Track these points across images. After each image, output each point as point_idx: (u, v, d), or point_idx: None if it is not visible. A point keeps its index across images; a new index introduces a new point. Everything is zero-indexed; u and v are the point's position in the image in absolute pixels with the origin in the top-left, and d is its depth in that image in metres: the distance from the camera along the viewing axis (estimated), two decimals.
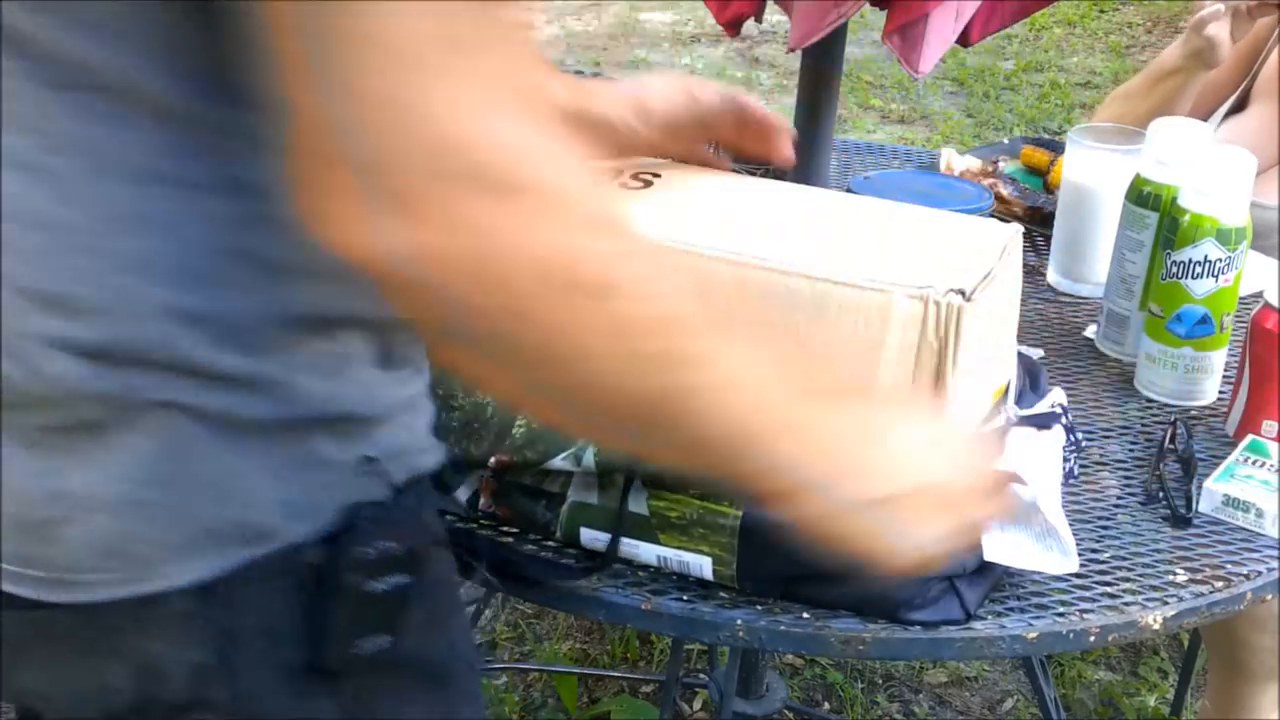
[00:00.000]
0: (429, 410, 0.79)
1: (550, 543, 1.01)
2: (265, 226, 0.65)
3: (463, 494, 1.02)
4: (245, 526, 0.68)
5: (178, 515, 0.67)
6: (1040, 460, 0.99)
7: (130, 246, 0.64)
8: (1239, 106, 1.78)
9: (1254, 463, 1.13)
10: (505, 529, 1.03)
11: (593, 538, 0.97)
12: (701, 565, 0.95)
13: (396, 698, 0.75)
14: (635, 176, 1.08)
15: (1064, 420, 1.07)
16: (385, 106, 0.55)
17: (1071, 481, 1.14)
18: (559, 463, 0.96)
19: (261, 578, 0.69)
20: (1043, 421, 1.03)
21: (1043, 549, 0.95)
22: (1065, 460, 1.08)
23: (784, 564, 0.93)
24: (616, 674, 2.18)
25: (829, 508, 0.73)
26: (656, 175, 1.08)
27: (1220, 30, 1.68)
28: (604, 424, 0.68)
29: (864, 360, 0.91)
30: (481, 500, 1.01)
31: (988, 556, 0.93)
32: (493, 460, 0.98)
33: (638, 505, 0.96)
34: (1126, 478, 1.16)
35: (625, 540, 0.97)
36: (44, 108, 0.62)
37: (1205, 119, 1.79)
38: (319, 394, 0.70)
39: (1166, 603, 0.98)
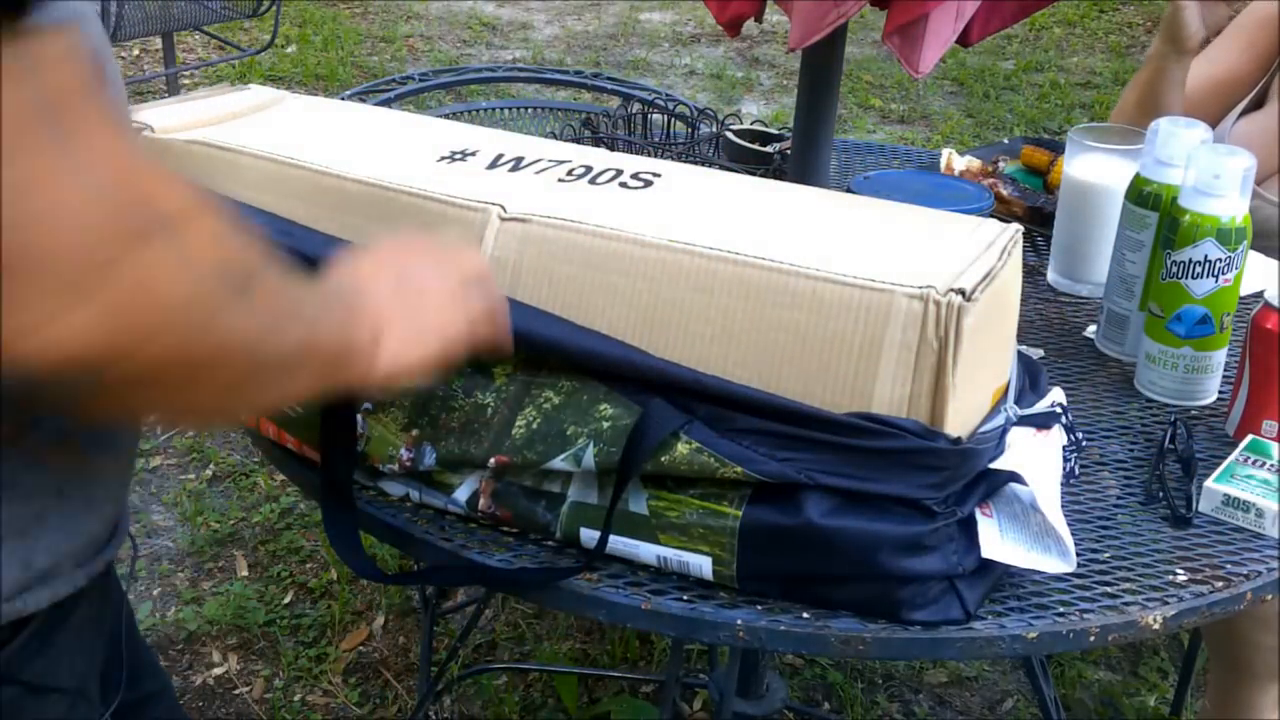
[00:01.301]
0: (51, 534, 0.73)
1: (550, 543, 1.01)
2: None
3: (462, 494, 1.02)
4: None
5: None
6: (1040, 460, 0.99)
7: None
8: (1258, 103, 1.78)
9: (1254, 463, 1.13)
10: (505, 529, 1.03)
11: (592, 537, 0.97)
12: (701, 565, 0.95)
13: None
14: (635, 176, 1.08)
15: (1064, 420, 1.07)
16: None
17: (1072, 481, 1.14)
18: (559, 463, 0.96)
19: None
20: (1042, 421, 1.04)
21: (1041, 549, 0.95)
22: (1065, 460, 1.08)
23: (784, 564, 0.93)
24: (616, 674, 2.18)
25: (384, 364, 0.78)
26: (656, 175, 1.08)
27: (1190, 11, 1.67)
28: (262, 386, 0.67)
29: (863, 359, 0.91)
30: (481, 501, 1.01)
31: (986, 554, 0.93)
32: (492, 461, 0.98)
33: (637, 505, 0.96)
34: (1126, 478, 1.16)
35: (625, 540, 0.97)
36: None
37: (1222, 115, 1.79)
38: None
39: (1166, 603, 0.98)
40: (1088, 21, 6.25)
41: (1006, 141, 1.87)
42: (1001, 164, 1.78)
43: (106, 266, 0.54)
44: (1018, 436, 1.00)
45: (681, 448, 0.92)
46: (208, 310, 0.59)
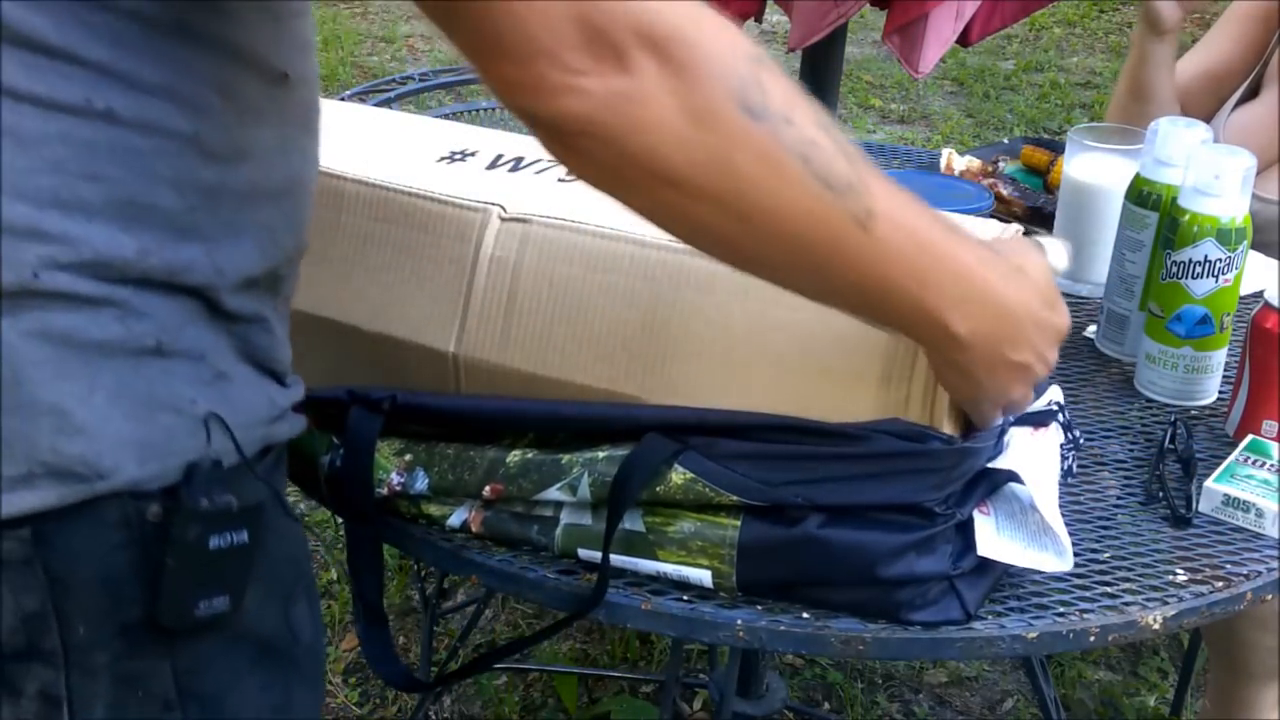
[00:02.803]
0: (296, 383, 0.81)
1: (545, 554, 1.01)
2: (132, 160, 0.68)
3: (455, 521, 1.01)
4: (84, 461, 0.68)
5: (16, 443, 0.66)
6: (1038, 459, 0.99)
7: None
8: (1253, 93, 1.78)
9: (1254, 463, 1.13)
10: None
11: (590, 555, 0.97)
12: (702, 578, 0.95)
13: (230, 670, 0.76)
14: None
15: (1061, 418, 1.07)
16: (550, 10, 0.63)
17: (1070, 480, 1.14)
18: (554, 493, 0.95)
19: (99, 524, 0.69)
20: (1040, 419, 1.03)
21: (1038, 547, 0.95)
22: (1064, 458, 1.08)
23: (783, 572, 0.93)
24: (616, 674, 2.18)
25: (972, 357, 0.83)
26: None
27: None
28: (786, 255, 0.74)
29: (863, 359, 0.91)
30: (473, 529, 1.01)
31: (981, 552, 0.93)
32: (487, 490, 0.97)
33: (633, 523, 0.95)
34: (1126, 478, 1.16)
35: (623, 558, 0.96)
36: None
37: (1216, 106, 1.79)
38: (171, 324, 0.71)
39: (1166, 603, 0.98)
40: (1088, 21, 6.25)
41: (1006, 141, 1.87)
42: (1001, 164, 1.78)
43: (614, 60, 0.65)
44: (1016, 435, 1.00)
45: (676, 478, 0.92)
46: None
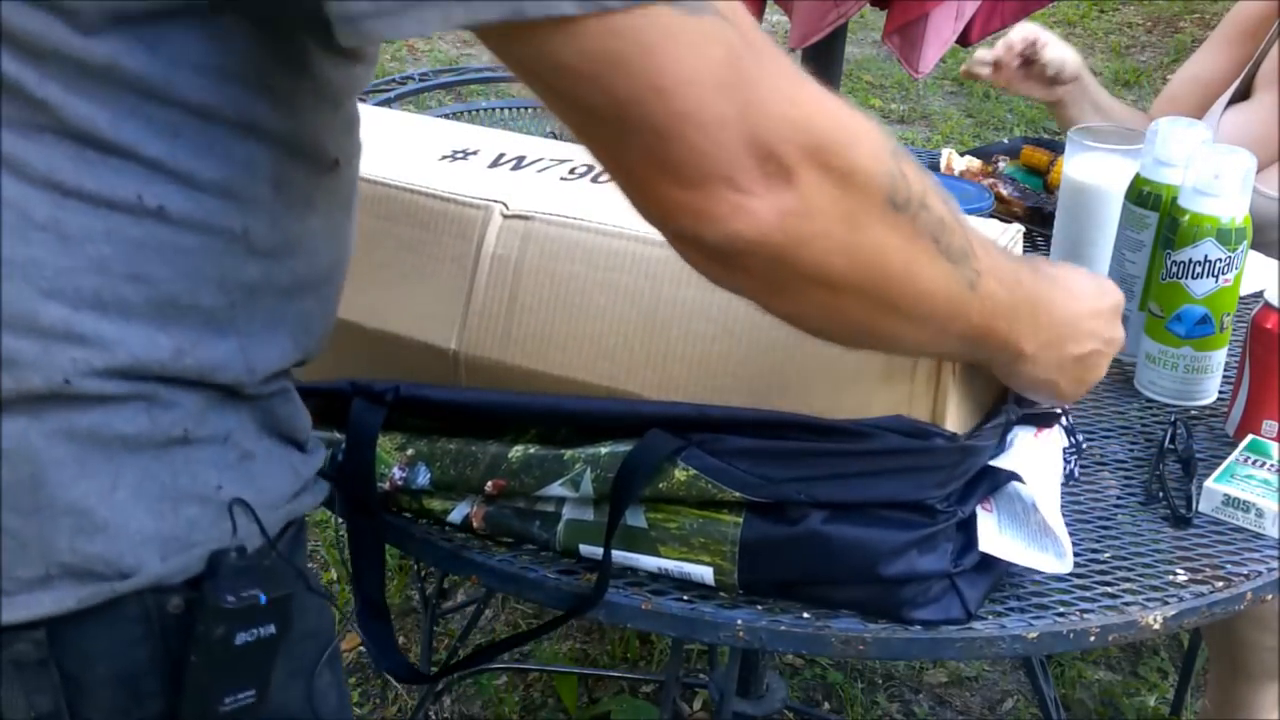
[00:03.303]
0: (317, 448, 0.80)
1: (547, 553, 1.01)
2: (179, 259, 0.66)
3: (456, 516, 1.01)
4: (105, 560, 0.66)
5: (33, 545, 0.64)
6: (1041, 461, 0.99)
7: (27, 256, 0.62)
8: (1242, 95, 1.78)
9: (1254, 463, 1.13)
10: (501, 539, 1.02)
11: (592, 551, 0.97)
12: (704, 575, 0.95)
13: None
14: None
15: (1064, 421, 1.07)
16: (725, 129, 0.62)
17: (1072, 482, 1.14)
18: (556, 489, 0.95)
19: (117, 620, 0.67)
20: (1043, 421, 1.03)
21: (1039, 547, 0.95)
22: (1065, 462, 1.08)
23: (786, 570, 0.93)
24: (616, 674, 2.18)
25: (1038, 365, 0.89)
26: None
27: (1049, 50, 1.81)
28: (915, 329, 0.77)
29: (864, 357, 0.91)
30: (475, 524, 1.00)
31: (983, 548, 0.93)
32: (489, 485, 0.97)
33: (635, 519, 0.95)
34: (1126, 478, 1.16)
35: (625, 554, 0.96)
36: None
37: (1200, 112, 1.79)
38: (197, 410, 0.68)
39: (1166, 603, 0.98)
40: (1088, 21, 6.25)
41: (1006, 141, 1.87)
42: (1001, 164, 1.78)
43: (784, 178, 0.64)
44: (1019, 436, 1.00)
45: (679, 474, 0.91)
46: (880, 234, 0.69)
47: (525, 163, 1.11)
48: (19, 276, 0.62)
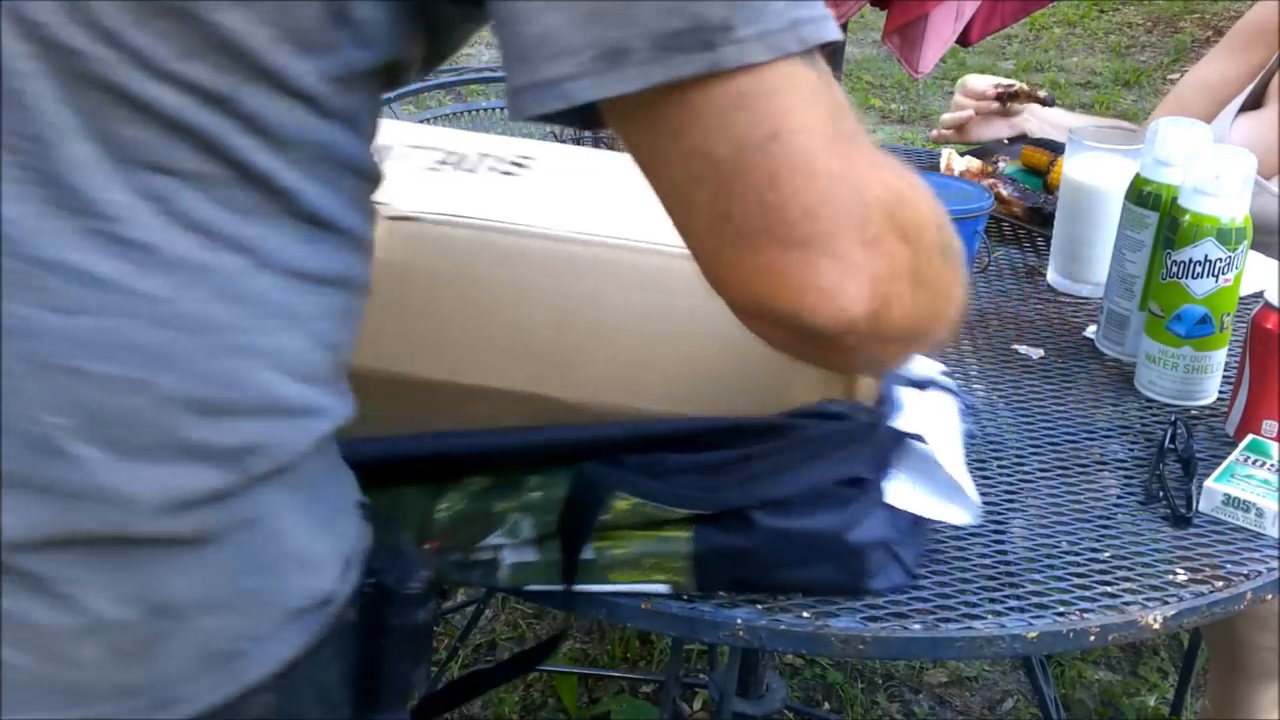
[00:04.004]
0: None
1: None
2: (353, 321, 0.69)
3: None
4: (317, 594, 0.68)
5: (272, 598, 0.66)
6: (936, 419, 0.99)
7: (273, 344, 0.64)
8: (1255, 103, 1.78)
9: (1254, 463, 1.13)
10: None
11: (540, 588, 0.94)
12: (659, 590, 0.93)
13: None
14: (507, 161, 1.04)
15: (944, 384, 1.06)
16: (834, 184, 0.62)
17: (1065, 478, 1.14)
18: (495, 539, 0.91)
19: (320, 646, 0.68)
20: (921, 383, 1.03)
21: (946, 501, 0.95)
22: (964, 420, 1.07)
23: (740, 571, 0.93)
24: (616, 674, 2.18)
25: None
26: (528, 159, 1.05)
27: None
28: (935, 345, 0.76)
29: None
30: None
31: (892, 501, 0.93)
32: (426, 547, 0.93)
33: (581, 552, 0.92)
34: (1126, 478, 1.16)
35: (578, 587, 0.93)
36: (206, 208, 0.61)
37: (1215, 112, 1.79)
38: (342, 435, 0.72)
39: (1166, 602, 0.98)
40: (1088, 21, 6.25)
41: (1006, 141, 1.87)
42: (1001, 164, 1.78)
43: (876, 244, 0.63)
44: (908, 396, 1.00)
45: (621, 504, 0.89)
46: (931, 291, 0.69)
47: (446, 162, 1.05)
48: (270, 365, 0.64)
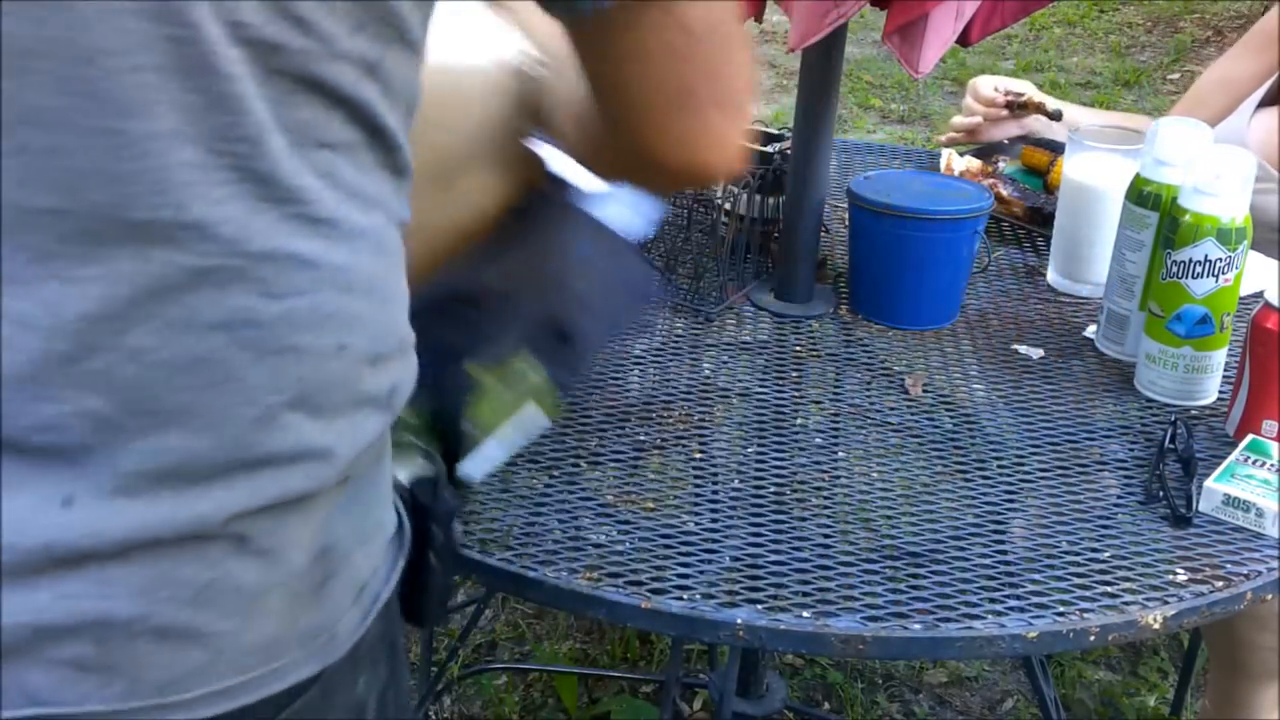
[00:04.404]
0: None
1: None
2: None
3: None
4: (396, 518, 0.75)
5: (385, 528, 0.73)
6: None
7: (400, 287, 0.69)
8: (1273, 99, 1.78)
9: (1254, 463, 1.13)
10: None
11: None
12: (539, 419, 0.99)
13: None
14: None
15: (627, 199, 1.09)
16: (748, 60, 0.78)
17: (1065, 478, 1.14)
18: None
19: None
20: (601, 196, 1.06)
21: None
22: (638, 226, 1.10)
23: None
24: (616, 674, 2.18)
25: None
26: None
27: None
28: None
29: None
30: None
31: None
32: None
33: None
34: (1126, 478, 1.16)
35: (474, 464, 0.99)
36: (353, 174, 0.64)
37: (1225, 112, 1.79)
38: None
39: (1166, 602, 0.98)
40: (1088, 21, 6.25)
41: (1006, 141, 1.87)
42: (1001, 164, 1.78)
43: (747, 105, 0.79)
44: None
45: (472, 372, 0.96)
46: None
47: None
48: (402, 308, 0.70)
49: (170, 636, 0.60)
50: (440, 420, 0.94)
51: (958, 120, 1.91)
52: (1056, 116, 1.82)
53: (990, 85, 1.88)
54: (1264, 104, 1.76)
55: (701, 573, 1.00)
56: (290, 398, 0.62)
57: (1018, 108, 1.85)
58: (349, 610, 0.68)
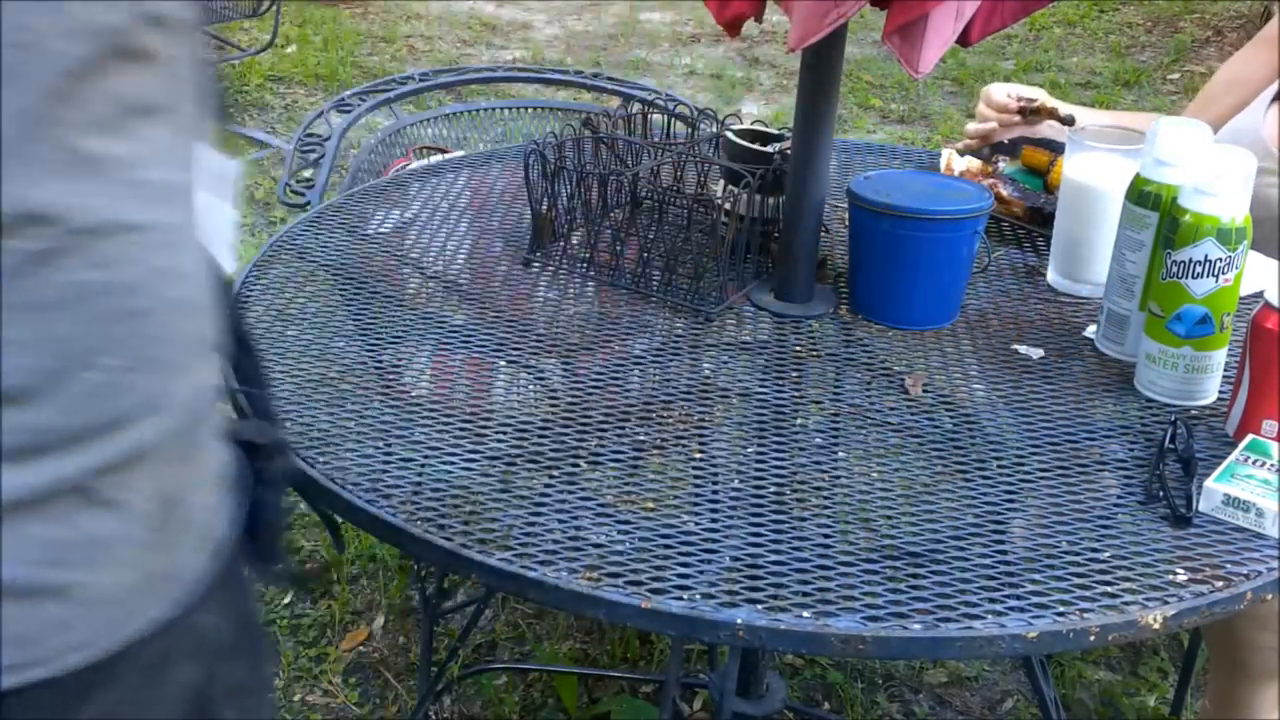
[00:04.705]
0: None
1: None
2: None
3: None
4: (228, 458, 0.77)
5: (223, 468, 0.75)
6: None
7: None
8: None
9: (1254, 463, 1.13)
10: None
11: None
12: None
13: None
14: None
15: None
16: None
17: (1065, 478, 1.14)
18: None
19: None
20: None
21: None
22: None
23: None
24: (616, 674, 2.18)
25: None
26: None
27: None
28: None
29: None
30: None
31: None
32: None
33: None
34: (1126, 478, 1.16)
35: None
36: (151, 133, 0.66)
37: (1235, 111, 1.79)
38: None
39: (1166, 602, 0.98)
40: (1088, 21, 6.25)
41: (1006, 142, 1.87)
42: (1001, 164, 1.78)
43: None
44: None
45: None
46: None
47: None
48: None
49: (28, 595, 0.62)
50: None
51: (972, 127, 1.91)
52: (1069, 122, 1.82)
53: (1004, 92, 1.88)
54: (1278, 99, 1.76)
55: (701, 573, 1.00)
56: (131, 360, 0.64)
57: (1030, 113, 1.85)
58: (195, 553, 0.71)
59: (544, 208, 1.55)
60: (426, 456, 1.15)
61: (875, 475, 1.16)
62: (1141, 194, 1.31)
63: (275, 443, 0.82)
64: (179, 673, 0.70)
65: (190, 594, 0.70)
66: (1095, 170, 1.47)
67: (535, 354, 1.34)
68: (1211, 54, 5.69)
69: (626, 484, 1.13)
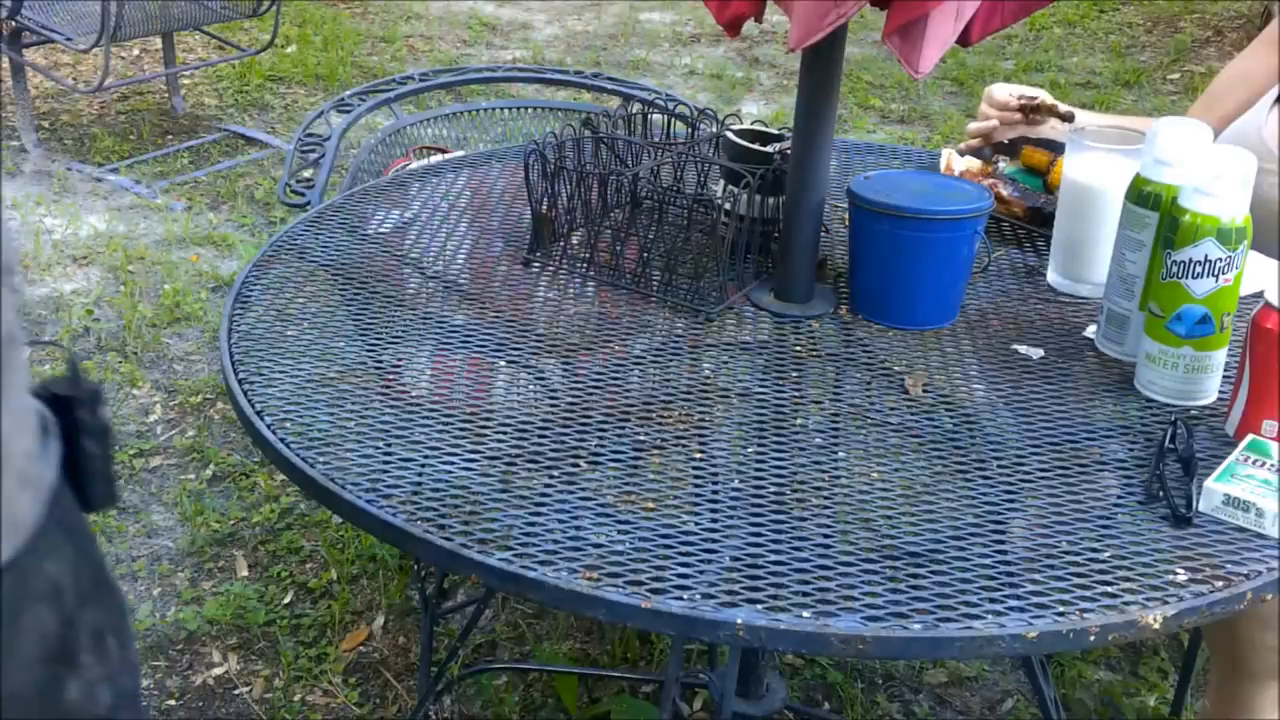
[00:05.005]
0: None
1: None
2: None
3: None
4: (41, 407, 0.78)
5: (40, 414, 0.76)
6: None
7: None
8: None
9: (1254, 462, 1.13)
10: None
11: None
12: None
13: None
14: None
15: None
16: None
17: (1065, 478, 1.14)
18: None
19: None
20: None
21: None
22: None
23: None
24: (616, 674, 2.18)
25: None
26: None
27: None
28: None
29: None
30: None
31: None
32: None
33: None
34: (1126, 478, 1.16)
35: None
36: None
37: (1241, 109, 1.79)
38: None
39: (1166, 602, 0.98)
40: (1088, 21, 6.25)
41: (1006, 142, 1.87)
42: (1001, 164, 1.78)
43: None
44: None
45: None
46: None
47: None
48: None
49: None
50: None
51: (973, 127, 1.91)
52: (1070, 118, 1.82)
53: (1005, 91, 1.88)
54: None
55: (701, 573, 1.00)
56: None
57: (1031, 111, 1.85)
58: (20, 497, 0.72)
59: (544, 208, 1.55)
60: (426, 456, 1.15)
61: (875, 475, 1.16)
62: (1141, 194, 1.31)
63: (91, 393, 0.83)
64: (32, 619, 0.72)
65: (23, 539, 0.71)
66: (1095, 170, 1.47)
67: (535, 354, 1.34)
68: (1211, 54, 5.69)
69: (626, 484, 1.13)
